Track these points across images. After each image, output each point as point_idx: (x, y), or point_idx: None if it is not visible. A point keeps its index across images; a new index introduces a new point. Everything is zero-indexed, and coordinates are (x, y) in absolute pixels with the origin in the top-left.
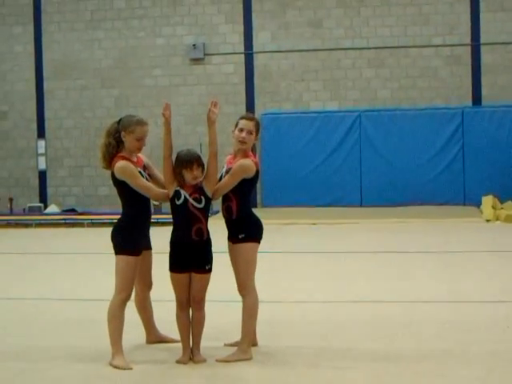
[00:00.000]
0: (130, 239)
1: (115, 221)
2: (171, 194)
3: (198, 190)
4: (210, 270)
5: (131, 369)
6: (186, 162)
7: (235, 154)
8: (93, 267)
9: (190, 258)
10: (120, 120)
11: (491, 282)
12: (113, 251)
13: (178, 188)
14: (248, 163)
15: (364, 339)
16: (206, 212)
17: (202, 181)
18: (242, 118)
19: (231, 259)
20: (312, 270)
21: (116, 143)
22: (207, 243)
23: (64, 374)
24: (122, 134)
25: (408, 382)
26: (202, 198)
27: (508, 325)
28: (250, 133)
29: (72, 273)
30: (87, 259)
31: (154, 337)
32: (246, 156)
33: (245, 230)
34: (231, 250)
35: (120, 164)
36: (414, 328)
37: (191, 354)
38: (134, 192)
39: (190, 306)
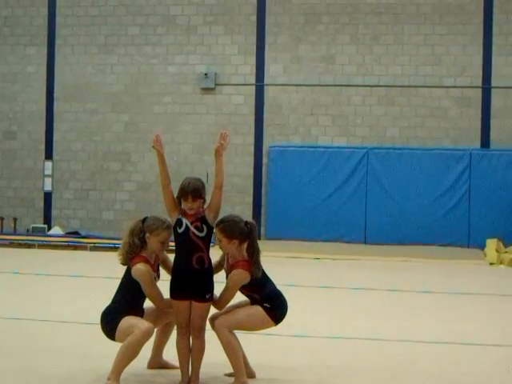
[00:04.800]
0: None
1: (118, 246)
2: (173, 222)
3: (199, 219)
4: (210, 299)
5: None
6: (183, 192)
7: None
8: (93, 291)
9: (191, 286)
10: (145, 219)
11: (492, 326)
12: (115, 277)
13: (180, 216)
14: (240, 277)
15: (364, 376)
16: (207, 241)
17: (204, 210)
18: None
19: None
20: (313, 304)
21: (140, 243)
22: (208, 272)
23: None
24: (147, 235)
25: None
26: (204, 226)
27: (508, 369)
28: (219, 240)
29: (72, 295)
30: (88, 282)
31: (156, 363)
32: (236, 261)
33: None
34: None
35: (141, 269)
36: (415, 367)
37: (189, 381)
38: (140, 291)
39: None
